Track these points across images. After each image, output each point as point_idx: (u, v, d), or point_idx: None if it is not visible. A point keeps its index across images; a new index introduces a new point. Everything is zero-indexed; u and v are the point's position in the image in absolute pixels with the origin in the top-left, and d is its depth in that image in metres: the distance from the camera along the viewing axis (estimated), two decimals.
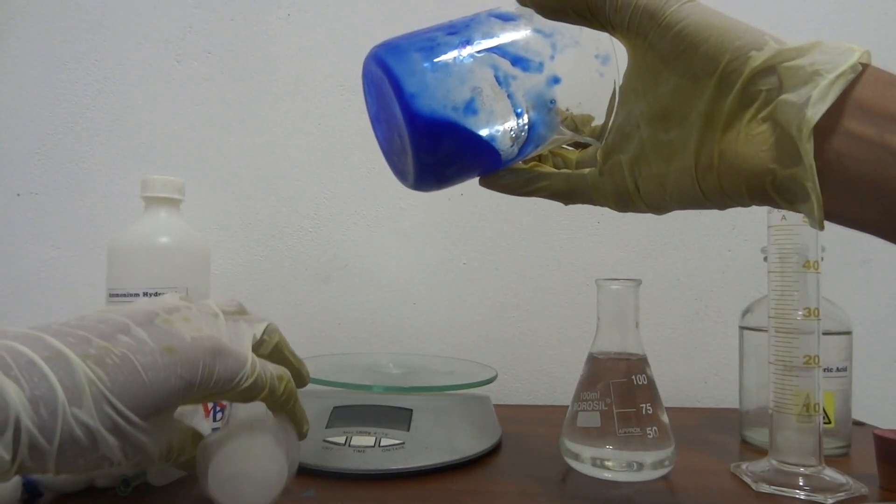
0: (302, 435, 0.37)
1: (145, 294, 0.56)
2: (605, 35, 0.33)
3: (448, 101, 0.31)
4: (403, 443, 0.44)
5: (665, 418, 0.44)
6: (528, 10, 0.33)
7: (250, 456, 0.34)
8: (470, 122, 0.31)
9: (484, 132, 0.32)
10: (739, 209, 0.79)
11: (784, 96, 0.25)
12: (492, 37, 0.32)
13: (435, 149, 0.32)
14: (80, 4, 0.78)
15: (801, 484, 0.41)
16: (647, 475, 0.42)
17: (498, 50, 0.32)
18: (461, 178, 0.35)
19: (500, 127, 0.33)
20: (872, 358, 0.76)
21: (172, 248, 0.58)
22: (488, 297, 0.77)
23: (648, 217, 0.78)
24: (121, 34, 0.78)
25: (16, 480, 0.36)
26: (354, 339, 0.76)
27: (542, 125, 0.33)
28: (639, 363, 0.45)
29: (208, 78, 0.78)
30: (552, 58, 0.33)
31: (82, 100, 0.77)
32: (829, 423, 0.52)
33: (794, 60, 0.26)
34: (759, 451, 0.51)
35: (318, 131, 0.78)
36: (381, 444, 0.43)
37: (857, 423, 0.58)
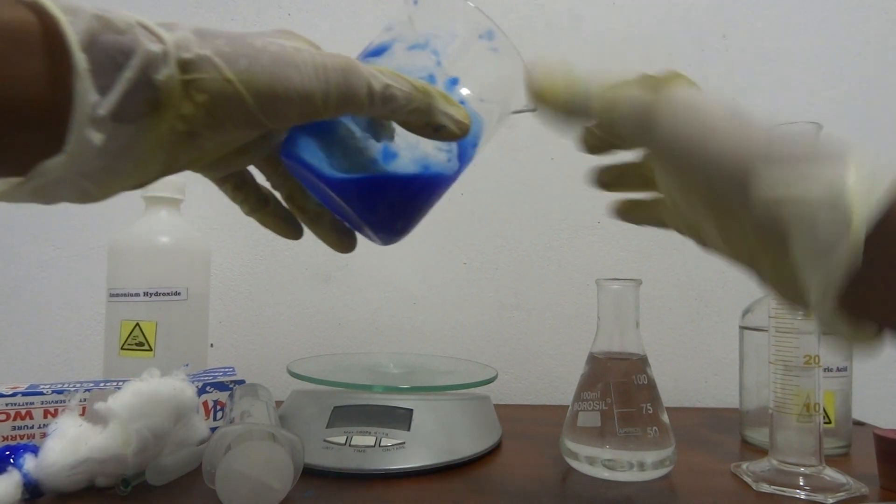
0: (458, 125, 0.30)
1: (146, 294, 0.56)
2: (479, 14, 0.32)
3: (365, 159, 0.31)
4: (404, 443, 0.44)
5: (665, 418, 0.44)
6: (399, 30, 0.32)
7: (265, 462, 0.34)
8: (396, 166, 0.31)
9: (413, 167, 0.32)
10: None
11: (797, 254, 0.23)
12: None
13: (380, 205, 0.32)
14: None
15: (801, 484, 0.41)
16: (648, 475, 0.42)
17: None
18: (422, 212, 0.34)
19: (425, 152, 0.32)
20: (872, 358, 0.76)
21: (172, 248, 0.59)
22: (488, 297, 0.77)
23: None
24: None
25: (16, 480, 0.36)
26: (354, 339, 0.76)
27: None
28: (639, 363, 0.45)
29: None
30: (438, 64, 0.32)
31: None
32: (830, 422, 0.52)
33: (795, 188, 0.22)
34: (760, 451, 0.51)
35: None
36: (382, 444, 0.43)
37: (858, 423, 0.58)
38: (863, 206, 0.21)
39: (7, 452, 0.37)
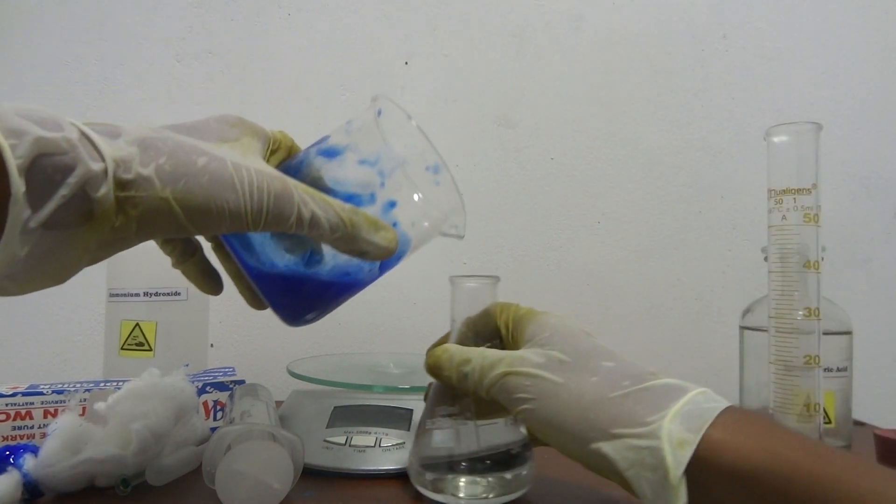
0: (383, 245, 0.32)
1: (146, 294, 0.56)
2: (429, 147, 0.35)
3: (289, 259, 0.33)
4: (404, 443, 0.44)
5: (524, 430, 0.38)
6: (356, 137, 0.34)
7: (265, 462, 0.34)
8: (317, 268, 0.34)
9: (332, 274, 0.34)
10: (740, 209, 0.79)
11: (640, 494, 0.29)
12: (319, 182, 0.34)
13: (288, 300, 0.34)
14: (80, 4, 0.78)
15: None
16: (509, 497, 0.36)
17: (327, 193, 0.33)
18: (329, 310, 0.36)
19: (348, 260, 0.34)
20: (873, 358, 0.76)
21: None
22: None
23: (648, 217, 0.78)
24: (121, 34, 0.78)
25: (16, 480, 0.36)
26: (354, 339, 0.76)
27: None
28: None
29: (209, 78, 0.78)
30: (382, 185, 0.34)
31: (82, 100, 0.77)
32: (830, 422, 0.52)
33: (627, 462, 0.29)
34: None
35: (318, 131, 0.78)
36: (382, 444, 0.43)
37: (858, 423, 0.58)
38: (676, 468, 0.27)
39: (7, 452, 0.37)
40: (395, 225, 0.34)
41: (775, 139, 0.43)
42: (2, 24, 0.77)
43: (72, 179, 0.23)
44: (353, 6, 0.78)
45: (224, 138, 0.31)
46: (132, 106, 0.77)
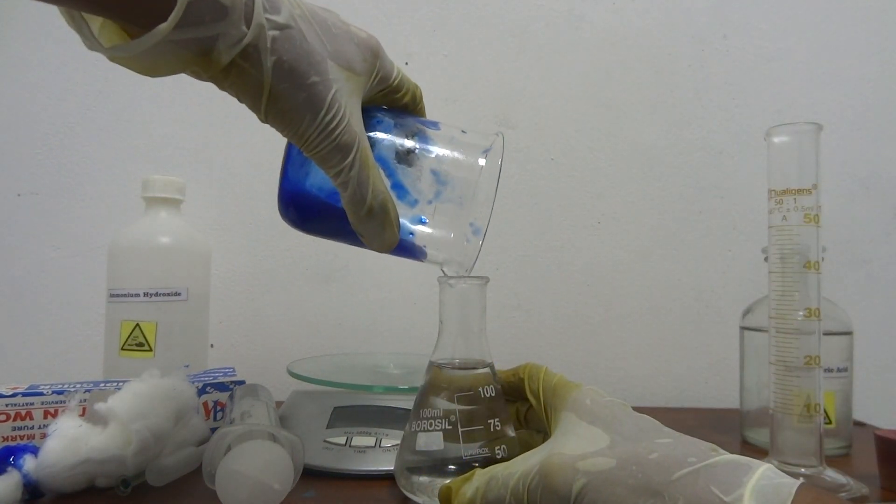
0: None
1: (146, 294, 0.56)
2: (487, 210, 0.35)
3: (317, 183, 0.34)
4: None
5: (512, 432, 0.38)
6: (450, 148, 0.35)
7: (265, 462, 0.34)
8: (335, 201, 0.34)
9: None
10: (740, 209, 0.79)
11: None
12: (396, 151, 0.34)
13: (308, 216, 0.36)
14: None
15: None
16: None
17: (386, 167, 0.34)
18: (314, 235, 0.38)
19: None
20: (873, 358, 0.76)
21: (173, 248, 0.59)
22: (488, 298, 0.77)
23: (648, 217, 0.78)
24: None
25: (16, 481, 0.36)
26: (354, 339, 0.76)
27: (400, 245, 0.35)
28: (486, 372, 0.39)
29: None
30: (430, 203, 0.34)
31: (83, 100, 0.77)
32: (830, 423, 0.52)
33: None
34: (760, 452, 0.51)
35: None
36: (382, 444, 0.43)
37: (858, 424, 0.58)
38: None
39: (7, 453, 0.37)
40: (410, 234, 0.35)
41: (775, 139, 0.43)
42: (2, 23, 0.77)
43: (214, 29, 0.25)
44: (353, 6, 0.78)
45: (350, 65, 0.31)
46: (132, 106, 0.77)
